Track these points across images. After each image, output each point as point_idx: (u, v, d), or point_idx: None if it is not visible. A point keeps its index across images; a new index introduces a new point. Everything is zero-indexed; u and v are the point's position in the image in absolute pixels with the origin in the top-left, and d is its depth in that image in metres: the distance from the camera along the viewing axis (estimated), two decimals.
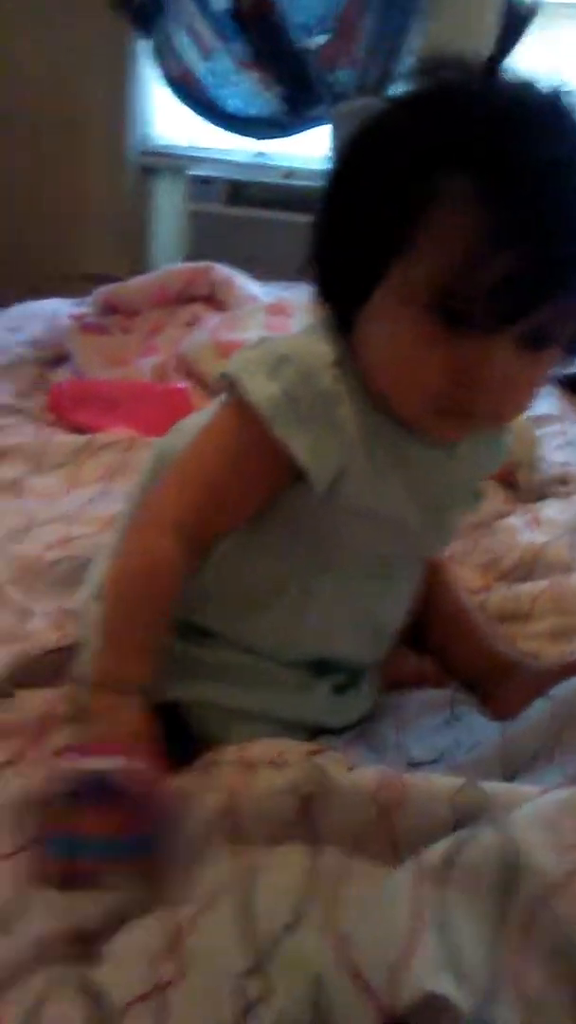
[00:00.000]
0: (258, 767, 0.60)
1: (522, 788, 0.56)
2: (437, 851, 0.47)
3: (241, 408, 0.61)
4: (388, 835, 0.54)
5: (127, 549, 0.66)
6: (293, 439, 0.59)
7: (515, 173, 0.50)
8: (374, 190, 0.55)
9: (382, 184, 0.55)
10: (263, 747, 0.63)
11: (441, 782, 0.55)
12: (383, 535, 0.66)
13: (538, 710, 0.69)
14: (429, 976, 0.39)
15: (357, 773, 0.57)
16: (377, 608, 0.72)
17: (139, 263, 2.58)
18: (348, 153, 0.59)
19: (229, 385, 0.62)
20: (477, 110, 0.53)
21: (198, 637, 0.69)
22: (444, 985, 0.38)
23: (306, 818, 0.55)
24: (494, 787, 0.54)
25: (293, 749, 0.62)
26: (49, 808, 0.50)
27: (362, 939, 0.44)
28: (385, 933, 0.42)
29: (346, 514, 0.64)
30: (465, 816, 0.52)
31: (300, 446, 0.59)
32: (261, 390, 0.59)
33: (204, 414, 0.70)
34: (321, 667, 0.72)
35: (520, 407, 0.61)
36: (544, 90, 0.54)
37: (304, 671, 0.71)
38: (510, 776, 0.64)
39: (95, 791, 0.50)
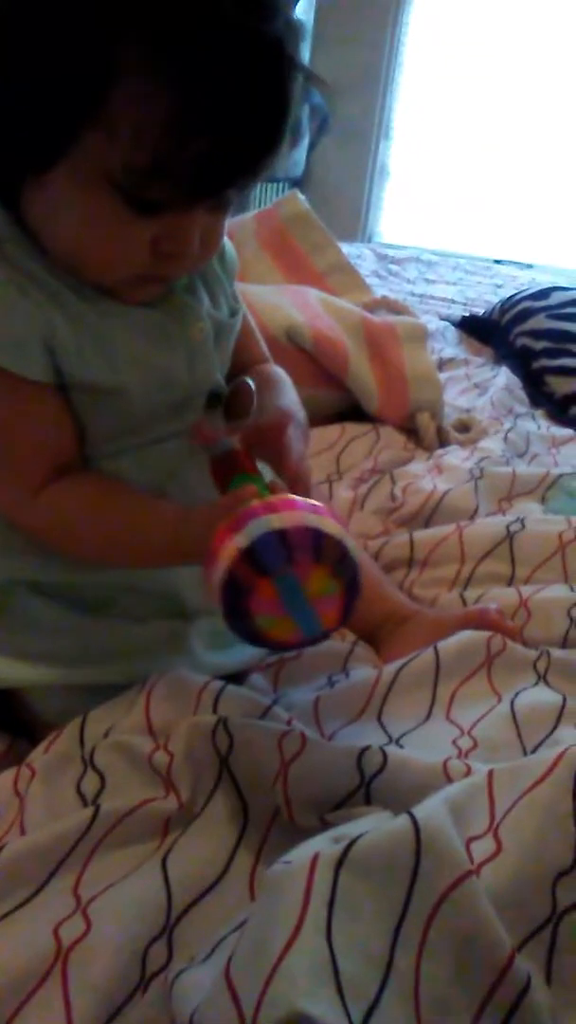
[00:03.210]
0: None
1: (419, 759, 0.52)
2: (339, 832, 0.42)
3: None
4: (283, 790, 0.51)
5: (47, 529, 0.59)
6: None
7: (202, 44, 0.45)
8: (45, 54, 0.46)
9: (54, 50, 0.45)
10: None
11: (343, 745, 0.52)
12: (145, 389, 0.59)
13: (420, 658, 0.67)
14: (296, 990, 0.33)
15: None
16: (188, 466, 0.65)
17: None
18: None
19: None
20: None
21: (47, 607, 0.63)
22: (314, 1002, 0.33)
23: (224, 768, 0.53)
24: (395, 753, 0.50)
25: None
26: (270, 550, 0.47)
27: (242, 939, 0.38)
28: (261, 934, 0.36)
29: (92, 386, 0.57)
30: (371, 780, 0.49)
31: None
32: None
33: None
34: (181, 607, 0.66)
35: (213, 254, 0.59)
36: None
37: (169, 618, 0.65)
38: (378, 716, 0.62)
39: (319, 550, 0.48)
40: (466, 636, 0.70)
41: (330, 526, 0.49)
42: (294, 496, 0.51)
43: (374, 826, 0.42)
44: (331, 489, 1.06)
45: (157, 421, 0.62)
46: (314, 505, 0.50)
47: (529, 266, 3.01)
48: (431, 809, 0.42)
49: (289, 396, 0.68)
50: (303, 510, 0.49)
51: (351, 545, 0.49)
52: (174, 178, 0.48)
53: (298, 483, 0.56)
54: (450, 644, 0.69)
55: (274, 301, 1.24)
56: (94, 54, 0.45)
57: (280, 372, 0.73)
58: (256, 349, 0.74)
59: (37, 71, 0.46)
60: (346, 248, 1.71)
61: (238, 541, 0.48)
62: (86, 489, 0.59)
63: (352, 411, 1.24)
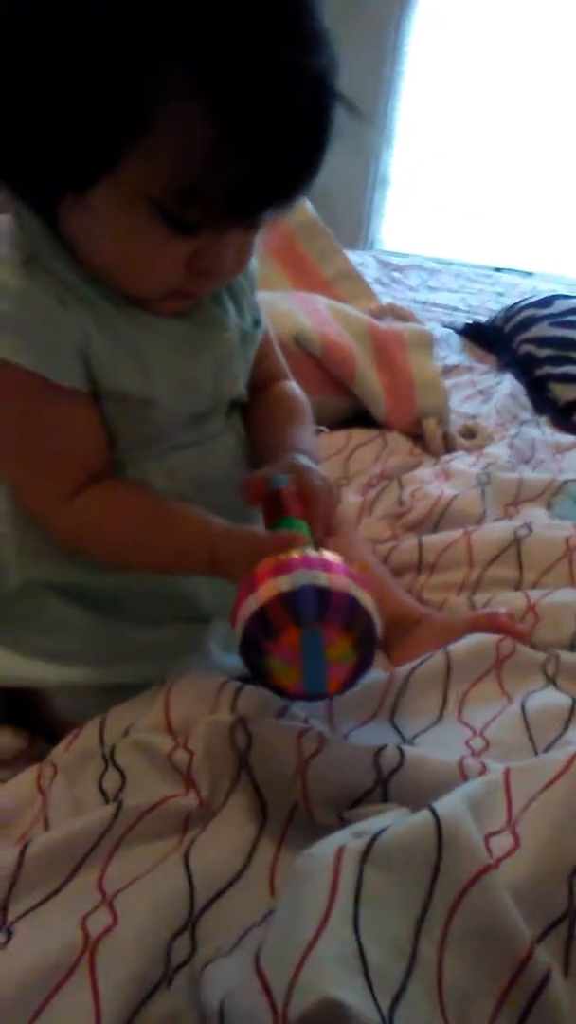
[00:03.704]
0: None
1: (436, 757, 0.53)
2: (361, 827, 0.43)
3: None
4: (302, 787, 0.52)
5: (77, 537, 0.61)
6: (13, 352, 0.54)
7: (249, 75, 0.47)
8: (94, 77, 0.46)
9: (104, 73, 0.46)
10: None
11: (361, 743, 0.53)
12: (172, 398, 0.61)
13: (431, 661, 0.68)
14: (326, 978, 0.34)
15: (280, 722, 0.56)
16: (209, 472, 0.66)
17: None
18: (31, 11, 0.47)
19: None
20: None
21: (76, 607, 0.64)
22: (344, 989, 0.34)
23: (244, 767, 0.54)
24: (412, 751, 0.51)
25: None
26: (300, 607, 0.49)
27: (270, 930, 0.39)
28: (289, 924, 0.37)
29: (123, 394, 0.59)
30: (388, 777, 0.49)
31: (23, 355, 0.54)
32: None
33: None
34: (199, 610, 0.67)
35: (243, 270, 0.60)
36: None
37: (186, 621, 0.66)
38: (391, 717, 0.63)
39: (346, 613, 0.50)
40: (476, 639, 0.71)
41: (367, 600, 0.51)
42: (340, 560, 0.53)
43: (395, 822, 0.43)
44: (339, 494, 1.07)
45: (180, 428, 0.63)
46: (356, 575, 0.52)
47: (529, 274, 3.03)
48: (451, 805, 0.43)
49: (309, 439, 0.71)
50: (347, 576, 0.51)
51: (379, 624, 0.52)
52: (214, 201, 0.50)
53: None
54: (460, 647, 0.70)
55: (283, 307, 1.26)
56: (143, 79, 0.46)
57: (299, 398, 0.75)
58: (276, 363, 0.75)
59: (85, 93, 0.47)
60: (349, 255, 1.72)
61: (282, 583, 0.49)
62: (121, 494, 0.60)
63: (359, 417, 1.26)
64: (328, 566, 0.51)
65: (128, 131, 0.47)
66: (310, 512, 0.59)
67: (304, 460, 0.64)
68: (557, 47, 3.17)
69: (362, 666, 0.52)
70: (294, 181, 0.52)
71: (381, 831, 0.41)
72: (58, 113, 0.48)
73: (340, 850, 0.40)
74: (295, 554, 0.51)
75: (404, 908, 0.39)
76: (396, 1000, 0.36)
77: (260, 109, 0.47)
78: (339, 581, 0.50)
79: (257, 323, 0.69)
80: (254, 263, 0.69)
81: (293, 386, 0.76)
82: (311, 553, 0.52)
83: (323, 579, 0.50)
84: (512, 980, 0.39)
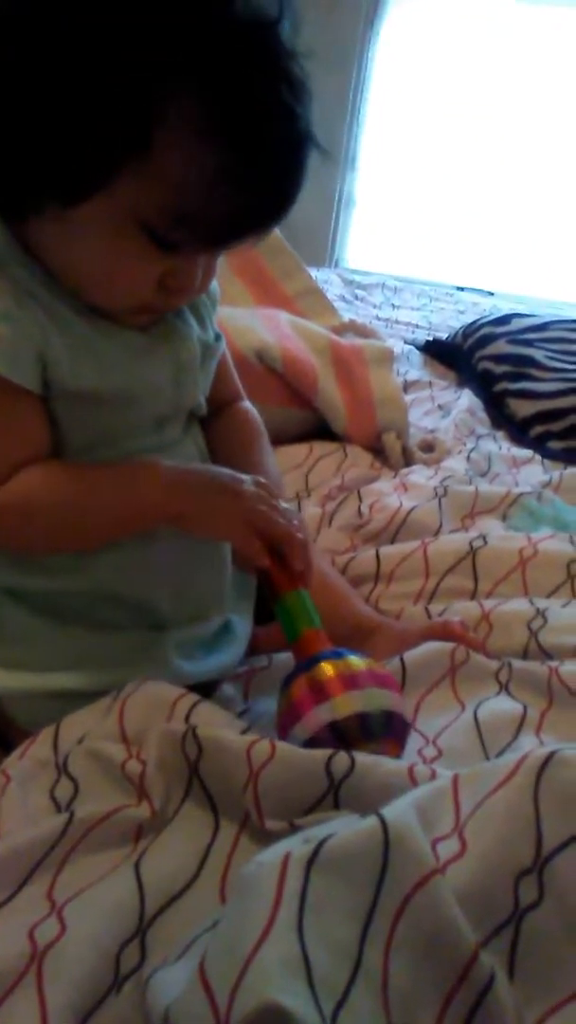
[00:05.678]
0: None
1: (386, 763, 0.54)
2: (309, 834, 0.44)
3: None
4: (254, 797, 0.52)
5: None
6: None
7: (253, 111, 0.50)
8: (83, 98, 0.47)
9: (95, 92, 0.47)
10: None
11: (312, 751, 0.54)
12: (131, 398, 0.62)
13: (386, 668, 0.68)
14: (269, 983, 0.34)
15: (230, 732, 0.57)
16: None
17: None
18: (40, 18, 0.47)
19: None
20: (217, 23, 0.48)
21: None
22: (286, 994, 0.34)
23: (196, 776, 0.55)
24: (362, 758, 0.51)
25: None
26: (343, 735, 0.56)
27: (215, 936, 0.39)
28: (234, 930, 0.37)
29: (84, 394, 0.59)
30: (339, 784, 0.51)
31: None
32: None
33: None
34: (157, 618, 0.67)
35: (208, 287, 0.63)
36: (281, 28, 0.51)
37: (144, 628, 0.66)
38: None
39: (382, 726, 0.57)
40: (431, 647, 0.72)
41: (375, 700, 0.57)
42: (356, 667, 0.59)
43: (343, 827, 0.43)
44: (300, 506, 1.08)
45: (142, 431, 0.64)
46: (356, 676, 0.58)
47: (490, 293, 3.08)
48: (399, 810, 0.44)
49: (272, 462, 0.74)
50: (397, 691, 0.60)
51: (401, 708, 0.59)
52: (204, 227, 0.52)
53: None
54: (415, 655, 0.71)
55: (246, 323, 1.27)
56: (150, 101, 0.47)
57: (257, 420, 0.77)
58: (232, 383, 0.78)
59: (91, 109, 0.48)
60: (314, 273, 1.74)
61: (356, 701, 0.57)
62: (63, 466, 0.60)
63: (320, 430, 1.27)
64: (385, 681, 0.59)
65: (128, 152, 0.49)
66: (304, 572, 0.64)
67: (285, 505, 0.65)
68: (516, 73, 3.25)
69: (400, 741, 0.60)
70: (278, 211, 0.55)
71: (328, 837, 0.41)
72: (60, 127, 0.48)
73: (286, 856, 0.40)
74: (361, 665, 0.59)
75: (350, 913, 0.39)
76: (339, 1005, 0.36)
77: (260, 144, 0.50)
78: (398, 701, 0.59)
79: (219, 337, 0.70)
80: (215, 281, 0.70)
81: (249, 407, 0.78)
82: (374, 667, 0.60)
83: (390, 701, 0.58)
84: (457, 984, 0.40)
